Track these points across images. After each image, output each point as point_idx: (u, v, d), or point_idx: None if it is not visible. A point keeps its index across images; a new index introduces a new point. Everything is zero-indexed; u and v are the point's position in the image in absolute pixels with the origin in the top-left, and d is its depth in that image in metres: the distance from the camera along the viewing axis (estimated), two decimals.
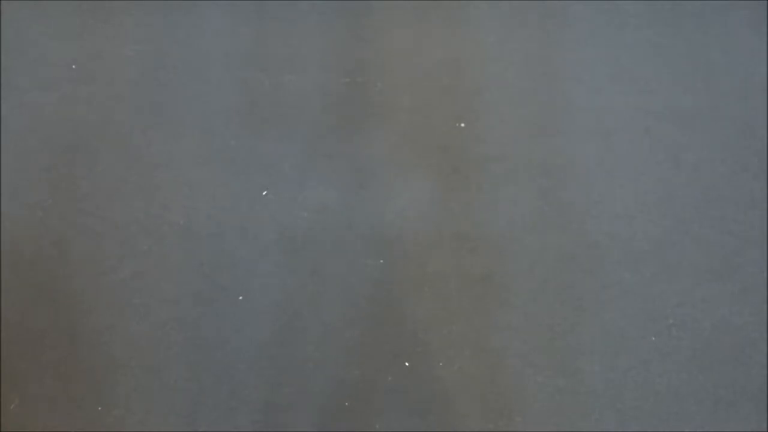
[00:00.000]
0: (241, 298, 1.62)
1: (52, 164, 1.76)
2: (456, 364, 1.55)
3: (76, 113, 1.82)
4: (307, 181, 1.75)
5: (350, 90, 1.87)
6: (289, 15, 1.98)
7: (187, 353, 1.56)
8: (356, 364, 1.55)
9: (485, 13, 1.98)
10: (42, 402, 1.51)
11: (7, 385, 1.52)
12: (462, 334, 1.58)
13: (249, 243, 1.67)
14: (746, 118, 1.83)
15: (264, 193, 1.73)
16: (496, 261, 1.66)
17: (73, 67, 1.89)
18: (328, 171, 1.76)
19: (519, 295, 1.62)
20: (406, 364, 1.55)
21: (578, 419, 1.51)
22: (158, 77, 1.88)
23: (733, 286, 1.63)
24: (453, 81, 1.89)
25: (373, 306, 1.61)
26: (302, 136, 1.81)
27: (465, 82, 1.88)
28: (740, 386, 1.53)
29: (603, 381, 1.54)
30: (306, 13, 1.98)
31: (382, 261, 1.66)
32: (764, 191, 1.73)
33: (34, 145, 1.78)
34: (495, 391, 1.53)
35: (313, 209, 1.71)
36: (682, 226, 1.70)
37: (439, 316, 1.60)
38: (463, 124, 1.82)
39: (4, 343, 1.55)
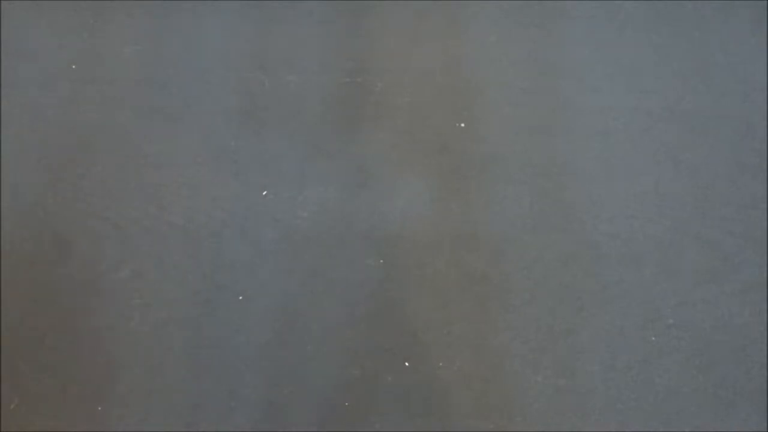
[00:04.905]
0: (241, 298, 1.62)
1: (52, 164, 1.76)
2: (456, 364, 1.55)
3: (76, 113, 1.82)
4: (307, 181, 1.75)
5: (350, 90, 1.87)
6: (289, 15, 1.98)
7: (187, 353, 1.56)
8: (356, 364, 1.55)
9: (485, 13, 1.99)
10: (42, 402, 1.51)
11: (7, 385, 1.52)
12: (462, 334, 1.58)
13: (249, 243, 1.67)
14: (746, 118, 1.83)
15: (264, 193, 1.73)
16: (496, 261, 1.66)
17: (73, 67, 1.89)
18: (328, 170, 1.76)
19: (519, 295, 1.62)
20: (406, 364, 1.55)
21: (578, 419, 1.50)
22: (158, 77, 1.88)
23: (733, 286, 1.63)
24: (453, 81, 1.89)
25: (373, 306, 1.61)
26: (302, 136, 1.81)
27: (465, 82, 1.88)
28: (740, 386, 1.53)
29: (603, 381, 1.54)
30: (306, 13, 1.98)
31: (382, 261, 1.66)
32: (764, 191, 1.73)
33: (34, 145, 1.78)
34: (495, 391, 1.53)
35: (313, 209, 1.71)
36: (682, 226, 1.70)
37: (439, 316, 1.60)
38: (463, 124, 1.82)
39: (4, 343, 1.55)
